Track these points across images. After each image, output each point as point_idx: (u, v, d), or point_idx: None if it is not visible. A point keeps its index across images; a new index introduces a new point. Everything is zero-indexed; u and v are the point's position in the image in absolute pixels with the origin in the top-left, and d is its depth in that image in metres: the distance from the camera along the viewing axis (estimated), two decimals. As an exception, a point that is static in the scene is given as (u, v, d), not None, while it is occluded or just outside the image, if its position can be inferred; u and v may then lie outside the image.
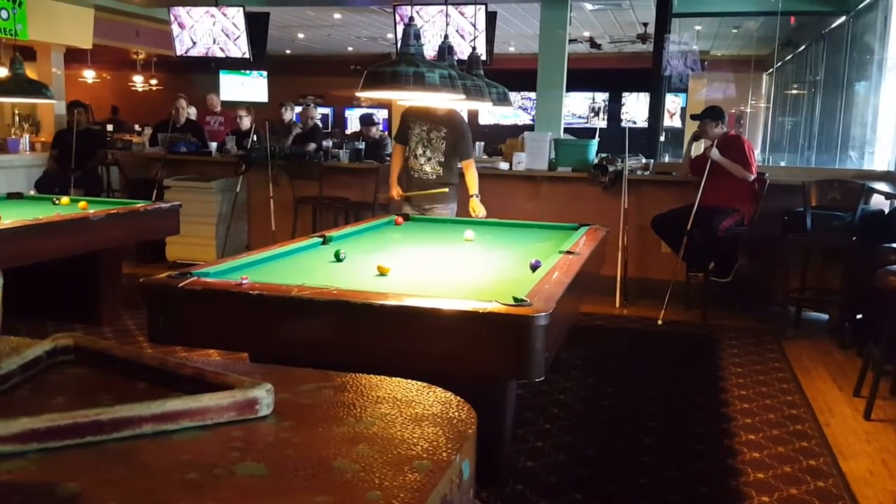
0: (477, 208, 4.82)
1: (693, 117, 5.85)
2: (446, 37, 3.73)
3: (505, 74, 6.12)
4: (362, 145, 7.28)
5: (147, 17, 10.23)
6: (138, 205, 4.94)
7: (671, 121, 12.68)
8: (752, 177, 5.40)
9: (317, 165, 6.61)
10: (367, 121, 7.90)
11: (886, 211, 5.14)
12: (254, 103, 10.27)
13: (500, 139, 8.05)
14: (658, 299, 5.46)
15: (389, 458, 0.91)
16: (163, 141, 7.31)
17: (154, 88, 15.54)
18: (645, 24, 11.34)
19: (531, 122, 11.79)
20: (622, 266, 5.82)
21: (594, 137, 6.56)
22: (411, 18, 3.31)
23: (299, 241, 3.54)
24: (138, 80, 15.49)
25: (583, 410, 3.68)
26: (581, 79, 12.34)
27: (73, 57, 11.85)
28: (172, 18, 8.24)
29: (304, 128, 7.94)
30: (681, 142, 11.26)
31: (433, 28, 7.21)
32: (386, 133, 9.47)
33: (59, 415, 0.90)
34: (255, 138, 7.39)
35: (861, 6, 7.63)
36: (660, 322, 5.31)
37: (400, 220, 4.48)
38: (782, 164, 10.84)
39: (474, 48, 4.46)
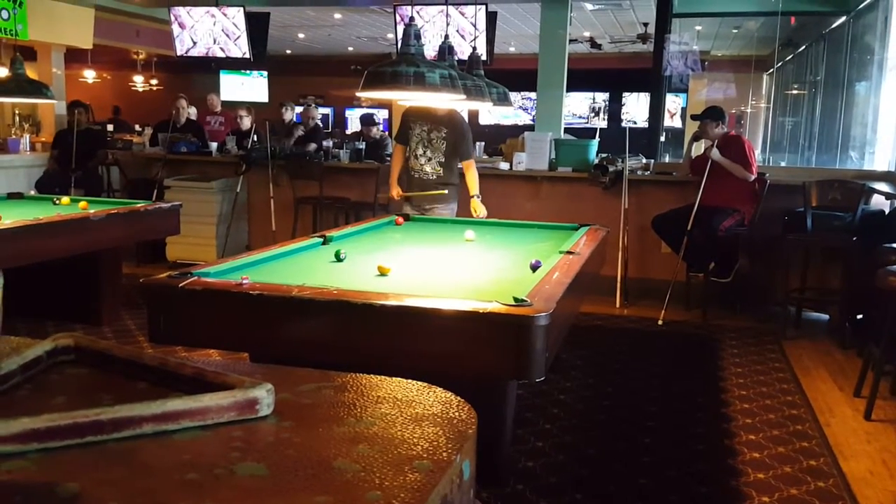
0: (478, 208, 4.82)
1: (693, 117, 5.85)
2: (447, 37, 3.73)
3: (505, 74, 6.12)
4: (363, 145, 7.28)
5: (147, 17, 10.24)
6: (139, 205, 4.94)
7: (671, 121, 12.68)
8: (753, 177, 5.40)
9: (317, 165, 6.61)
10: (367, 121, 7.90)
11: (887, 211, 5.14)
12: (254, 103, 10.28)
13: (501, 139, 8.05)
14: (658, 299, 5.46)
15: (390, 458, 0.91)
16: (163, 141, 7.31)
17: (154, 88, 15.54)
18: (645, 24, 11.34)
19: (531, 123, 11.80)
20: (622, 266, 5.82)
21: (594, 137, 6.56)
22: (412, 18, 3.31)
23: (300, 241, 3.54)
24: (139, 80, 15.50)
25: (583, 410, 3.68)
26: (581, 79, 12.35)
27: (74, 57, 11.86)
28: (173, 18, 8.24)
29: (306, 128, 7.94)
30: (681, 142, 11.26)
31: (433, 28, 7.21)
32: (386, 133, 9.48)
33: (60, 415, 0.90)
34: (255, 138, 7.39)
35: (861, 6, 7.63)
36: (660, 322, 5.31)
37: (400, 220, 4.48)
38: (783, 164, 10.84)
39: (475, 48, 4.46)
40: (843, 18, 8.23)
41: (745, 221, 5.45)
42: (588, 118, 15.42)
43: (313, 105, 8.58)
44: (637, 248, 6.11)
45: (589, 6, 9.94)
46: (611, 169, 6.03)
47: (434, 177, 4.86)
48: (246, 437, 0.96)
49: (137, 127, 11.55)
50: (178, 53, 8.39)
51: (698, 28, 10.31)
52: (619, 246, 5.78)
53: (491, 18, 7.45)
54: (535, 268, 2.99)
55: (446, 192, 4.83)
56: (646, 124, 9.13)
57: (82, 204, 4.85)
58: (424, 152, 4.86)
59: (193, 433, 0.96)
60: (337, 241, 3.63)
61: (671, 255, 5.67)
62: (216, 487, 0.83)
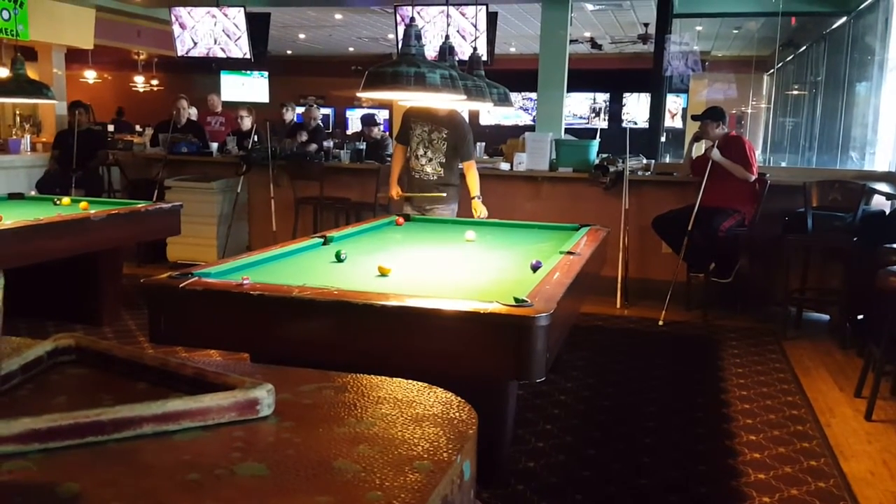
0: (479, 209, 4.82)
1: (694, 118, 5.85)
2: (447, 37, 3.73)
3: (506, 75, 6.12)
4: (363, 146, 7.29)
5: (148, 17, 10.24)
6: (139, 205, 4.94)
7: (672, 121, 12.67)
8: (753, 177, 5.40)
9: (317, 166, 6.61)
10: (368, 121, 7.91)
11: (887, 211, 5.14)
12: (255, 104, 10.29)
13: (501, 139, 8.06)
14: (659, 300, 5.46)
15: (390, 458, 0.91)
16: (164, 141, 7.31)
17: (155, 89, 15.55)
18: (646, 25, 11.34)
19: (532, 123, 11.79)
20: (623, 267, 5.82)
21: (595, 138, 6.56)
22: (412, 19, 3.31)
23: (300, 242, 3.54)
24: (139, 81, 15.50)
25: (583, 411, 3.68)
26: (582, 79, 12.34)
27: (74, 57, 11.86)
28: (173, 19, 8.24)
29: (307, 128, 7.95)
30: (681, 142, 11.25)
31: (434, 28, 7.21)
32: (387, 133, 9.48)
33: (60, 415, 0.90)
34: (255, 139, 7.39)
35: (862, 7, 7.63)
36: (660, 323, 5.31)
37: (401, 220, 4.48)
38: (783, 164, 10.84)
39: (475, 48, 4.46)
40: (844, 19, 8.23)
41: (745, 222, 5.45)
42: (588, 118, 15.43)
43: (315, 105, 8.58)
44: (637, 248, 6.11)
45: (589, 6, 9.94)
46: (611, 169, 6.03)
47: (434, 177, 4.86)
48: (246, 437, 0.96)
49: (138, 127, 11.56)
50: (179, 54, 8.39)
51: (699, 28, 10.31)
52: (620, 246, 5.78)
53: (491, 19, 7.45)
54: (535, 268, 2.99)
55: (445, 194, 4.83)
56: (646, 125, 9.13)
57: (83, 204, 4.85)
58: (425, 153, 4.86)
59: (194, 433, 0.96)
60: (337, 242, 3.63)
61: (672, 255, 5.67)
62: (217, 487, 0.83)
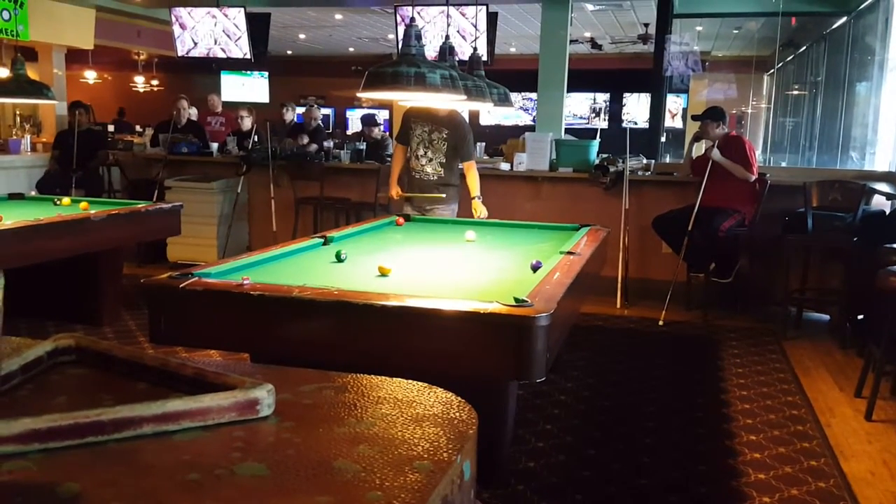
0: (479, 209, 4.82)
1: (694, 118, 5.85)
2: (447, 37, 3.73)
3: (506, 75, 6.13)
4: (363, 146, 7.28)
5: (148, 17, 10.24)
6: (139, 205, 4.94)
7: (672, 121, 12.67)
8: (753, 177, 5.40)
9: (318, 166, 6.61)
10: (368, 121, 7.91)
11: (887, 212, 5.14)
12: (255, 104, 10.29)
13: (501, 140, 8.06)
14: (659, 300, 5.46)
15: (390, 458, 0.91)
16: (164, 141, 7.31)
17: (155, 89, 15.55)
18: (646, 25, 11.34)
19: (532, 123, 11.79)
20: (623, 267, 5.82)
21: (595, 138, 6.56)
22: (412, 19, 3.30)
23: (300, 242, 3.54)
24: (139, 81, 15.51)
25: (584, 411, 3.68)
26: (582, 79, 12.34)
27: (75, 57, 11.86)
28: (174, 19, 8.25)
29: (307, 129, 7.95)
30: (682, 142, 11.25)
31: (434, 29, 7.21)
32: (387, 133, 9.48)
33: (61, 415, 0.90)
34: (256, 139, 7.40)
35: (862, 7, 7.63)
36: (661, 323, 5.31)
37: (401, 220, 4.48)
38: (783, 164, 10.84)
39: (475, 49, 4.46)
40: (844, 19, 8.23)
41: (745, 222, 5.45)
42: (589, 118, 15.42)
43: (315, 106, 8.58)
44: (638, 248, 6.11)
45: (589, 7, 9.94)
46: (611, 169, 6.03)
47: (435, 177, 4.86)
48: (247, 437, 0.96)
49: (138, 127, 11.55)
50: (179, 54, 8.40)
51: (699, 28, 10.31)
52: (620, 246, 5.78)
53: (492, 19, 7.45)
54: (535, 268, 2.99)
55: (444, 196, 4.82)
56: (646, 125, 9.13)
57: (83, 204, 4.85)
58: (425, 153, 4.86)
59: (194, 433, 0.96)
60: (338, 242, 3.63)
61: (672, 255, 5.66)
62: (217, 487, 0.83)
